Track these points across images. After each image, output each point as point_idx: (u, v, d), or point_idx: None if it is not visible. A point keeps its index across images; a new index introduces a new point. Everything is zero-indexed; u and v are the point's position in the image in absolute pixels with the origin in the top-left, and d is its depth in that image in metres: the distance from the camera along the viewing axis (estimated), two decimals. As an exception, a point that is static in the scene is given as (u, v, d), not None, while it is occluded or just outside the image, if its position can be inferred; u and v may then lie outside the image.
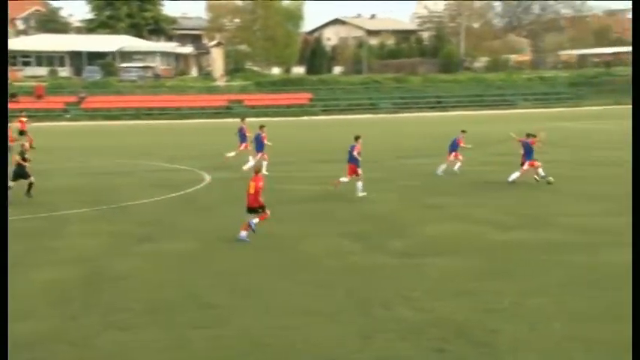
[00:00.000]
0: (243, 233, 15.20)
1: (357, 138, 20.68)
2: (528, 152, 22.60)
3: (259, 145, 25.60)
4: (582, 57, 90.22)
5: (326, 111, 67.09)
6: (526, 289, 11.77)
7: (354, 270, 13.13)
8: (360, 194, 20.32)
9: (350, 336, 9.85)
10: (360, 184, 20.42)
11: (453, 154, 24.83)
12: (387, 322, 10.32)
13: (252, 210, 15.27)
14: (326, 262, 13.78)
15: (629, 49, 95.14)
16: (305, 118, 64.16)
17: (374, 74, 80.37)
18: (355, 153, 20.42)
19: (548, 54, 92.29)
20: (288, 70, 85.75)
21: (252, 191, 15.16)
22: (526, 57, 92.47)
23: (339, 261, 13.78)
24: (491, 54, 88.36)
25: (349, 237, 15.66)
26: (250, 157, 25.84)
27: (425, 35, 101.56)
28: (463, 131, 25.57)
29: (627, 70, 78.37)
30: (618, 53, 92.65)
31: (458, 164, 24.86)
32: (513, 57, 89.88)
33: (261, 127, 26.26)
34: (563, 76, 77.21)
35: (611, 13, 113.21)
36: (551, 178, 22.42)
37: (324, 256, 14.22)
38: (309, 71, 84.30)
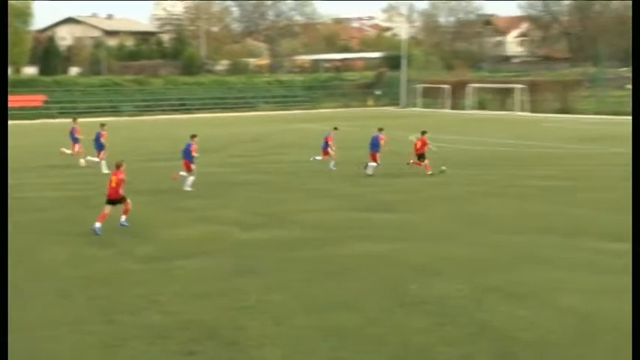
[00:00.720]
0: (98, 224, 15.92)
1: (193, 136, 22.10)
2: (374, 145, 25.23)
3: (98, 145, 25.98)
4: (315, 62, 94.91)
5: (63, 114, 63.81)
6: (270, 286, 12.19)
7: (97, 278, 12.71)
8: (188, 189, 21.61)
9: (93, 346, 9.52)
10: (191, 179, 21.78)
11: (323, 152, 26.36)
12: (134, 329, 10.13)
13: (114, 202, 16.18)
14: (66, 271, 13.21)
15: (357, 55, 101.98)
16: (39, 121, 60.54)
17: (114, 76, 77.97)
18: (192, 150, 21.80)
19: (284, 58, 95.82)
20: (18, 71, 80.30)
21: (113, 185, 16.07)
22: (265, 61, 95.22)
23: (82, 269, 13.28)
24: (232, 57, 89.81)
25: (95, 244, 15.13)
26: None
27: (165, 37, 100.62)
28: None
29: (355, 75, 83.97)
30: (346, 59, 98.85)
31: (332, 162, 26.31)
32: (253, 61, 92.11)
33: (102, 125, 26.78)
34: (299, 80, 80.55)
35: (339, 21, 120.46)
36: (444, 167, 25.06)
37: (65, 264, 13.62)
38: (43, 72, 79.61)
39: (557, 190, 21.50)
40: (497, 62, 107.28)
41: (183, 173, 22.00)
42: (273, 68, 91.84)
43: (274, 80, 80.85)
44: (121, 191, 16.14)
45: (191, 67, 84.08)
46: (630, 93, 59.56)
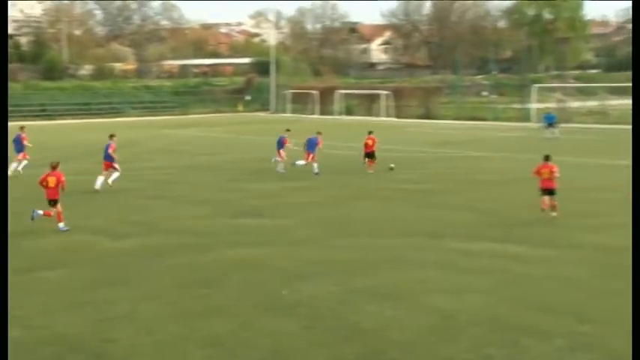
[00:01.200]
0: (62, 224, 16.76)
1: (111, 136, 23.37)
2: (312, 145, 26.74)
3: (19, 146, 26.63)
4: (184, 67, 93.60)
5: None
6: (141, 295, 11.89)
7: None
8: (98, 187, 22.56)
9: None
10: (116, 174, 22.91)
11: (279, 151, 27.05)
12: (-4, 346, 9.59)
13: (55, 202, 16.89)
14: None
15: (226, 60, 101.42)
16: None
17: (-33, 80, 73.56)
18: (110, 151, 22.85)
19: (152, 63, 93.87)
20: None
21: (52, 185, 16.86)
22: (131, 66, 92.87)
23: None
24: (96, 62, 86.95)
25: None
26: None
27: (23, 40, 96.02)
28: (288, 130, 28.02)
29: (225, 81, 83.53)
30: (215, 64, 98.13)
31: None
32: (118, 65, 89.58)
33: (22, 127, 27.33)
34: (167, 85, 79.17)
35: (207, 27, 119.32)
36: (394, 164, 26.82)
37: None
38: None
39: (420, 193, 22.24)
40: (363, 69, 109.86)
41: (101, 178, 22.86)
42: (140, 73, 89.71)
43: (141, 85, 79.06)
44: (59, 192, 16.93)
45: (52, 72, 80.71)
46: (487, 99, 62.62)
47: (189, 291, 12.20)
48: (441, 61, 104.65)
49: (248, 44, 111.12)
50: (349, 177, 26.09)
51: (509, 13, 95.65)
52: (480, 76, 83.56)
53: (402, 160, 30.70)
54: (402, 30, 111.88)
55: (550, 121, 40.67)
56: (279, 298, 11.72)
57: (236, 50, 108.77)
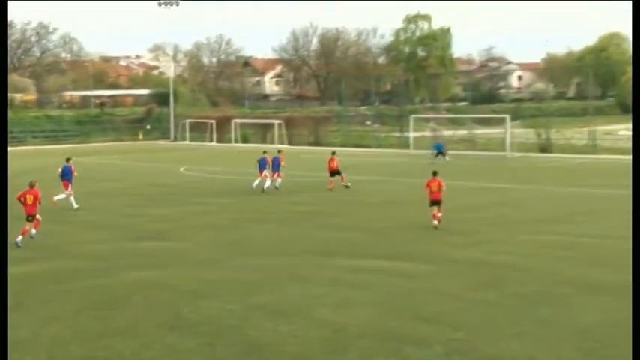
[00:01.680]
0: (20, 238, 17.11)
1: (68, 160, 24.48)
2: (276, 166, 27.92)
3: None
4: (84, 98, 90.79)
5: None
6: (42, 319, 11.32)
7: None
8: (75, 206, 23.26)
9: None
10: (72, 198, 23.46)
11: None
12: None
13: (33, 217, 17.57)
14: None
15: (126, 92, 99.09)
16: None
17: None
18: (74, 174, 23.96)
19: (52, 94, 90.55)
20: None
21: (29, 202, 17.55)
22: (32, 96, 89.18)
23: None
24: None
25: None
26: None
27: None
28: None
29: (125, 111, 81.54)
30: (115, 95, 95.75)
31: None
32: (19, 96, 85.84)
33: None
34: (69, 115, 76.53)
35: (107, 59, 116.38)
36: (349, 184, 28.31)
37: None
38: None
39: (313, 215, 22.35)
40: (257, 100, 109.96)
41: (61, 196, 23.42)
42: (40, 103, 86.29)
43: (43, 115, 76.06)
44: (36, 208, 17.58)
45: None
46: (370, 128, 63.86)
47: (92, 313, 11.72)
48: (328, 92, 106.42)
49: (147, 76, 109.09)
50: (247, 201, 25.93)
51: (387, 50, 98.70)
52: (363, 107, 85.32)
53: (296, 185, 30.83)
54: (292, 64, 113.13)
55: (439, 149, 42.49)
56: (180, 317, 11.44)
57: (136, 82, 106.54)
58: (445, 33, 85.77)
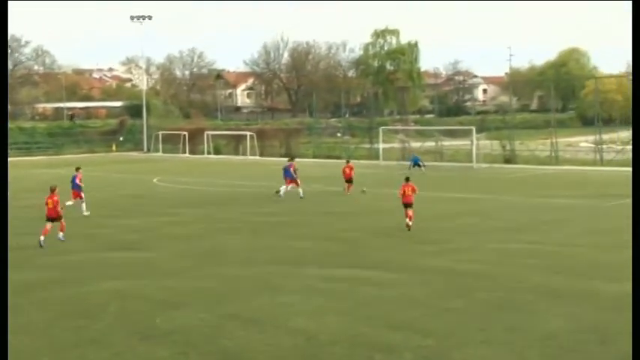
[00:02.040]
0: (42, 237, 18.56)
1: (77, 169, 25.98)
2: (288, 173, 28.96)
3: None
4: (57, 110, 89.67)
5: None
6: (14, 329, 11.01)
7: None
8: (85, 213, 24.26)
9: None
10: (84, 205, 24.65)
11: (289, 180, 28.96)
12: None
13: (53, 219, 18.91)
14: None
15: (99, 104, 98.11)
16: None
17: None
18: (77, 181, 25.08)
19: (25, 106, 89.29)
20: None
21: (50, 206, 18.93)
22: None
23: None
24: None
25: None
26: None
27: None
28: (291, 159, 30.44)
29: (98, 123, 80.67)
30: (88, 108, 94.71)
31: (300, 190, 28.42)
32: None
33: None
34: (41, 127, 75.52)
35: (80, 72, 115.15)
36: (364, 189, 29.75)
37: None
38: None
39: (283, 225, 22.26)
40: (229, 112, 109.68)
41: (69, 202, 24.23)
42: (13, 115, 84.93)
43: (15, 127, 74.89)
44: (59, 210, 19.02)
45: None
46: (340, 140, 63.95)
47: (65, 323, 11.50)
48: (300, 105, 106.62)
49: (120, 89, 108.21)
50: (219, 211, 25.76)
51: (357, 64, 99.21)
52: (334, 119, 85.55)
53: (268, 195, 30.71)
54: (263, 77, 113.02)
55: (416, 161, 42.94)
56: (153, 327, 11.27)
57: (108, 94, 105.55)
58: (412, 47, 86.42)
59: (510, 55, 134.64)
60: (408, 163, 43.76)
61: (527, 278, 14.42)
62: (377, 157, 52.60)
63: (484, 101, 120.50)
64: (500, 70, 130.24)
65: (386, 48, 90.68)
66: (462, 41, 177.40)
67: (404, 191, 20.82)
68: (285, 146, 63.18)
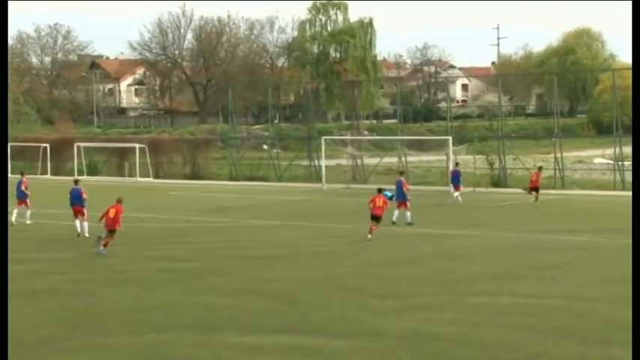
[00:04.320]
0: (103, 249, 24.95)
1: (76, 182, 31.41)
2: None
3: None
4: None
5: None
6: None
7: None
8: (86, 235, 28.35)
9: None
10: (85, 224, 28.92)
11: None
12: None
13: (113, 231, 24.97)
14: None
15: None
16: None
17: None
18: (84, 197, 29.58)
19: None
20: None
21: (111, 215, 24.73)
22: None
23: None
24: None
25: None
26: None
27: None
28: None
29: None
30: None
31: None
32: None
33: (22, 173, 35.07)
34: None
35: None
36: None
37: None
38: None
39: (188, 275, 22.16)
40: (109, 115, 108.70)
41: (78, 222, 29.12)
42: None
43: None
44: (118, 224, 24.88)
45: None
46: (268, 154, 64.30)
47: None
48: (210, 106, 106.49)
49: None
50: (97, 256, 25.49)
51: (289, 49, 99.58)
52: (258, 126, 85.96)
53: (165, 232, 30.57)
54: (158, 67, 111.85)
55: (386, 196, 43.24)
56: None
57: None
58: (366, 27, 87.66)
59: (499, 39, 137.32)
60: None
61: (524, 345, 14.75)
62: (318, 179, 53.04)
63: (464, 101, 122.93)
64: (486, 59, 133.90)
65: (329, 28, 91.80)
66: (433, 19, 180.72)
67: (375, 202, 25.38)
68: (190, 164, 63.05)
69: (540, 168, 41.89)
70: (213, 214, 37.20)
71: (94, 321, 17.10)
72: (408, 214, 31.65)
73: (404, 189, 32.26)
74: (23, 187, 32.96)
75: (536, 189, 39.22)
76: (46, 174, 63.50)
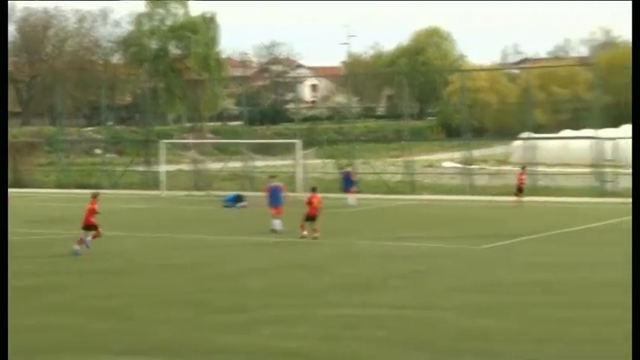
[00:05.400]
0: (77, 247, 26.70)
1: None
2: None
3: None
4: None
5: None
6: None
7: None
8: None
9: None
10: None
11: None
12: None
13: (87, 227, 26.83)
14: None
15: None
16: None
17: None
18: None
19: None
20: None
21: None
22: None
23: None
24: None
25: None
26: None
27: None
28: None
29: None
30: None
31: None
32: None
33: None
34: None
35: None
36: None
37: None
38: None
39: (28, 292, 21.53)
40: None
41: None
42: None
43: None
44: (93, 219, 26.65)
45: None
46: (101, 159, 63.22)
47: None
48: (35, 106, 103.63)
49: None
50: None
51: (125, 44, 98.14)
52: (90, 128, 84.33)
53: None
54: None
55: (232, 199, 43.09)
56: None
57: None
58: (208, 22, 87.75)
59: (349, 37, 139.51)
60: (225, 200, 43.96)
61: (374, 357, 15.16)
62: (156, 186, 52.57)
63: (313, 102, 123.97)
64: (335, 59, 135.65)
65: (169, 22, 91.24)
66: (280, 15, 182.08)
67: (311, 201, 28.07)
68: (12, 170, 61.26)
69: (524, 167, 44.20)
70: (42, 226, 36.39)
71: None
72: (278, 221, 32.09)
73: (281, 193, 33.14)
74: None
75: (520, 189, 41.96)
76: None
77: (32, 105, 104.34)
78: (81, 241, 26.90)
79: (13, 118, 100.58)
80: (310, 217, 29.85)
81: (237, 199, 43.54)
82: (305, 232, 29.86)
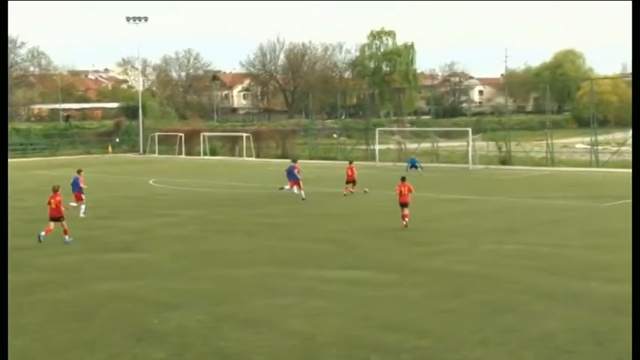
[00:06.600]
0: (43, 233, 19.01)
1: (79, 171, 25.72)
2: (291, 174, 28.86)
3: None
4: (53, 111, 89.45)
5: None
6: (10, 331, 11.01)
7: None
8: (82, 215, 23.97)
9: None
10: (83, 207, 24.47)
11: (292, 182, 28.71)
12: None
13: (56, 219, 19.09)
14: None
15: (95, 105, 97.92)
16: None
17: None
18: (81, 183, 25.02)
19: (20, 107, 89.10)
20: None
21: (53, 206, 19.03)
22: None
23: None
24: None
25: None
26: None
27: None
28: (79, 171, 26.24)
29: (94, 124, 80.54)
30: (84, 109, 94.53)
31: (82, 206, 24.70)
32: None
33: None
34: (37, 128, 75.30)
35: (75, 73, 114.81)
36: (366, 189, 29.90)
37: None
38: None
39: (281, 227, 22.23)
40: (225, 113, 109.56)
41: (73, 204, 24.04)
42: (9, 117, 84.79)
43: (11, 128, 74.78)
44: (62, 210, 19.15)
45: None
46: (337, 141, 63.91)
47: (60, 325, 11.48)
48: (296, 106, 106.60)
49: (116, 90, 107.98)
50: (215, 212, 25.73)
51: (353, 65, 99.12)
52: (330, 120, 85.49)
53: (263, 197, 30.69)
54: (259, 78, 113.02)
55: (413, 163, 42.73)
56: (149, 328, 11.26)
57: (104, 95, 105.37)
58: (409, 49, 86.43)
59: (506, 57, 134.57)
60: (406, 164, 43.72)
61: (523, 279, 14.44)
62: (373, 159, 52.61)
63: (480, 102, 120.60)
64: (496, 72, 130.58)
65: (382, 49, 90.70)
66: (458, 43, 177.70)
67: (400, 190, 21.28)
68: (281, 147, 63.13)
69: (351, 162, 32.19)
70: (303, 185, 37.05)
71: (213, 258, 17.25)
72: (302, 192, 28.58)
73: (295, 171, 28.98)
74: (81, 183, 25.13)
75: (351, 182, 30.14)
76: (181, 155, 64.40)
77: (294, 105, 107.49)
78: (49, 231, 19.10)
79: (283, 114, 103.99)
80: (403, 205, 21.05)
81: (415, 164, 42.50)
82: (406, 221, 21.04)
